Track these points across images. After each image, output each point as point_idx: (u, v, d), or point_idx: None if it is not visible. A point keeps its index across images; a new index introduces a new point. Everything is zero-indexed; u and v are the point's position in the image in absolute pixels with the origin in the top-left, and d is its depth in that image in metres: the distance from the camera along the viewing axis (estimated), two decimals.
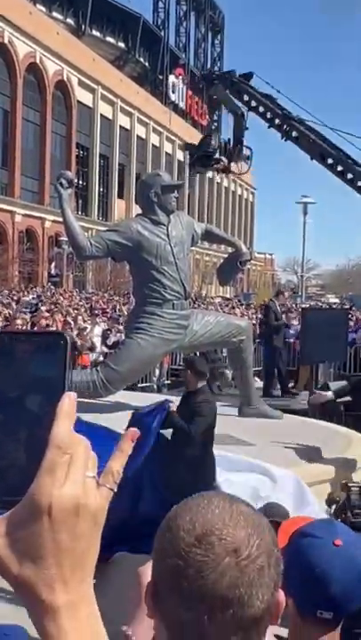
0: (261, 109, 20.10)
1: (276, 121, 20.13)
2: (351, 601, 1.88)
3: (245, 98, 20.22)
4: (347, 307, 23.56)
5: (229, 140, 20.01)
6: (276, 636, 1.07)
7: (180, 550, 1.03)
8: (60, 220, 9.63)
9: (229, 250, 10.96)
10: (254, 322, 19.48)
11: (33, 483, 0.78)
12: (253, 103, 20.13)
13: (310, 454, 8.08)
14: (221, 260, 11.43)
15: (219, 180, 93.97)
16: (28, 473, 0.80)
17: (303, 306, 30.60)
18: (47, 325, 17.50)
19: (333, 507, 5.42)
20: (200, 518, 1.05)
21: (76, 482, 0.79)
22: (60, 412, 0.80)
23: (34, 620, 0.79)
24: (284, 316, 15.82)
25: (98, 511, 0.80)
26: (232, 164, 20.03)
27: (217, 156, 19.76)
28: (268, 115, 20.08)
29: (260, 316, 24.40)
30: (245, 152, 20.07)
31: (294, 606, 1.85)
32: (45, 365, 0.85)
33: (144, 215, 9.50)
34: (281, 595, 1.07)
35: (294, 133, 20.07)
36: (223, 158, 19.90)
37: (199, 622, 1.01)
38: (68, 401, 0.82)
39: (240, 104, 20.02)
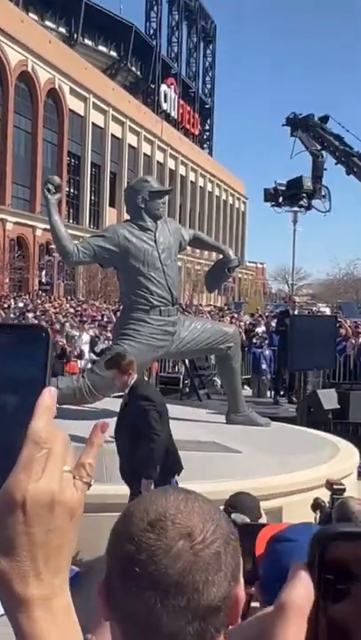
0: (331, 149, 22.81)
1: (342, 158, 22.84)
2: None
3: (320, 139, 22.83)
4: (337, 314, 23.56)
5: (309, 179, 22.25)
6: None
7: (133, 535, 0.98)
8: None
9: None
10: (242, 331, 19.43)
11: (9, 477, 0.78)
12: (325, 144, 22.78)
13: (298, 462, 8.03)
14: None
15: (210, 190, 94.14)
16: (3, 468, 0.78)
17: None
18: None
19: (318, 512, 5.40)
20: (153, 505, 1.01)
21: (53, 476, 0.78)
22: (39, 406, 0.80)
23: (8, 614, 0.79)
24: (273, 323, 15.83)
25: (74, 505, 0.80)
26: (312, 201, 22.37)
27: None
28: (337, 153, 22.81)
29: (248, 323, 24.38)
30: (323, 191, 22.28)
31: None
32: (26, 359, 0.82)
33: (132, 221, 9.46)
34: (241, 590, 1.01)
35: (355, 168, 22.78)
36: (305, 196, 21.94)
37: (151, 611, 0.94)
38: (49, 395, 0.81)
39: (317, 144, 22.61)
